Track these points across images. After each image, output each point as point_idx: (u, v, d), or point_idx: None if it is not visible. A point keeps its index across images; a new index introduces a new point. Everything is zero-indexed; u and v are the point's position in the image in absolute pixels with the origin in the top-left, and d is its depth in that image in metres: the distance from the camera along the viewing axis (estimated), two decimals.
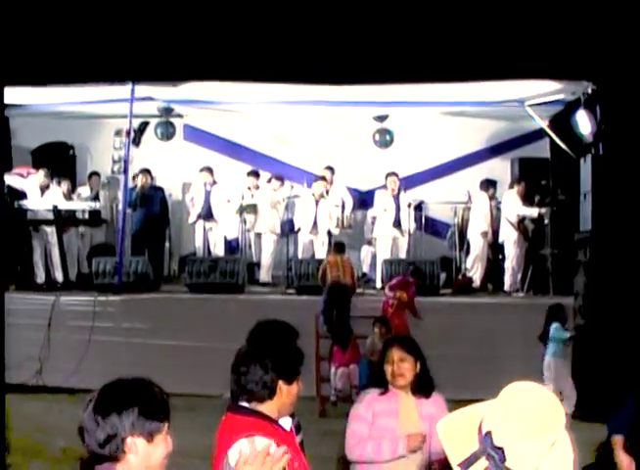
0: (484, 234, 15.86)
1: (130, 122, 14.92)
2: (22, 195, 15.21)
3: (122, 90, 14.10)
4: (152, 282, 15.11)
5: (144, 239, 16.28)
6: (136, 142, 17.94)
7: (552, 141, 15.54)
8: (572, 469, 2.85)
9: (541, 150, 16.70)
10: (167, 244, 17.28)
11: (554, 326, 11.34)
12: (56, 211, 15.15)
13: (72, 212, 15.95)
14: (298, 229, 16.29)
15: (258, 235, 16.84)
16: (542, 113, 15.44)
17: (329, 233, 16.27)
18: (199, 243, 16.82)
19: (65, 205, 15.68)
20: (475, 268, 15.92)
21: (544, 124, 15.50)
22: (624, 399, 5.93)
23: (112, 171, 18.79)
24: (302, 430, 5.22)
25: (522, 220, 15.39)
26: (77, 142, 18.41)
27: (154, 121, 18.85)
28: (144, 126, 18.70)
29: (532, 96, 14.73)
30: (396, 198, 15.90)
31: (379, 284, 15.43)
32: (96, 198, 17.14)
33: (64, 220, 15.57)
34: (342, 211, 16.61)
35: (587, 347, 12.15)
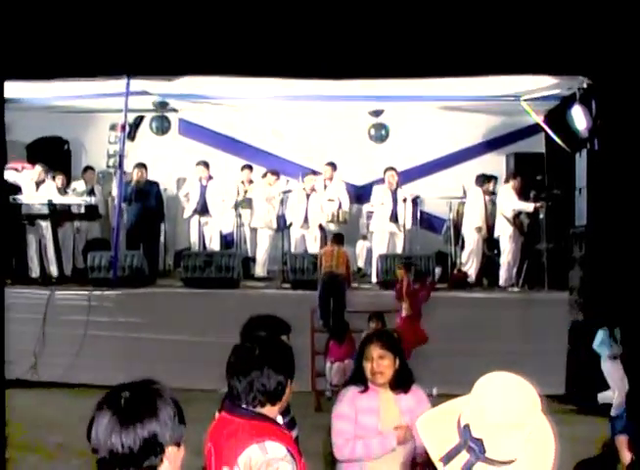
0: (479, 229, 15.85)
1: (125, 117, 14.88)
2: (17, 189, 15.18)
3: (117, 84, 14.08)
4: (147, 277, 15.10)
5: (139, 233, 16.27)
6: (131, 136, 17.93)
7: (547, 136, 15.55)
8: (553, 457, 2.88)
9: (537, 145, 16.69)
10: (162, 238, 17.26)
11: (602, 332, 11.12)
12: (51, 205, 15.13)
13: (68, 207, 15.92)
14: (290, 224, 16.28)
15: (254, 230, 16.83)
16: (538, 108, 15.45)
17: (321, 227, 16.27)
18: (194, 238, 16.80)
19: (60, 199, 15.66)
20: (470, 263, 15.92)
21: (540, 119, 15.50)
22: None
23: (106, 166, 18.80)
24: (297, 425, 5.22)
25: (517, 215, 15.39)
26: (72, 136, 18.40)
27: (149, 116, 18.86)
28: (139, 121, 18.69)
29: (528, 91, 14.74)
30: (394, 193, 15.89)
31: (374, 279, 15.43)
32: (91, 192, 17.12)
33: (59, 215, 15.55)
34: (339, 208, 16.61)
35: (585, 341, 12.17)
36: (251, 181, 16.99)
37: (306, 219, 16.11)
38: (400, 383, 5.51)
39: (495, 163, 17.47)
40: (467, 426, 2.79)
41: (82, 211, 16.09)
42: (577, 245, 12.74)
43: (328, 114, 17.66)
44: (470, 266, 15.88)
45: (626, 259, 11.23)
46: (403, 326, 12.23)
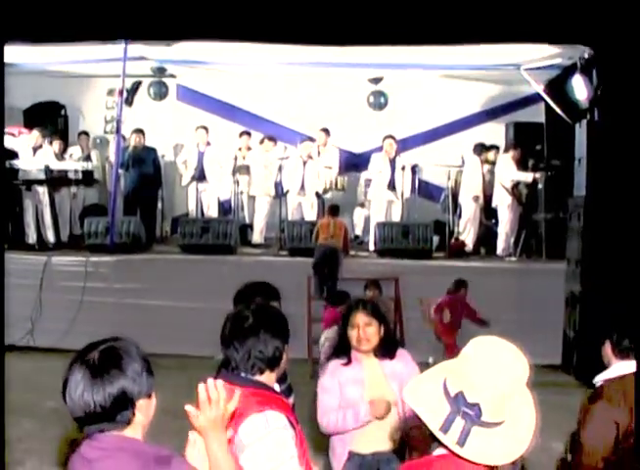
0: (476, 198, 15.83)
1: (123, 82, 14.81)
2: (14, 154, 15.10)
3: (115, 49, 14.01)
4: (144, 243, 15.09)
5: (136, 199, 16.22)
6: (129, 102, 17.86)
7: (547, 106, 15.49)
8: (535, 423, 2.97)
9: (536, 114, 16.64)
10: (160, 205, 17.21)
11: None
12: (48, 170, 15.06)
13: (64, 172, 15.85)
14: (287, 191, 16.22)
15: (252, 197, 16.79)
16: (538, 77, 15.36)
17: (317, 195, 16.23)
18: (192, 204, 16.76)
19: (57, 165, 15.59)
20: (467, 232, 15.91)
21: (540, 89, 15.42)
22: None
23: (104, 131, 18.76)
24: (294, 392, 5.20)
25: (515, 185, 15.35)
26: (69, 102, 18.35)
27: (147, 81, 18.79)
28: (137, 86, 18.63)
29: (529, 60, 14.67)
30: (392, 161, 15.82)
31: (372, 247, 15.43)
32: (88, 158, 17.07)
33: (56, 180, 15.49)
34: (337, 175, 16.58)
35: (582, 312, 12.19)
36: (249, 148, 16.94)
37: (303, 187, 16.06)
38: (385, 350, 5.51)
39: (495, 132, 17.43)
40: (460, 393, 2.87)
41: (79, 176, 16.01)
42: (576, 215, 12.70)
43: (327, 80, 17.58)
44: (467, 235, 15.88)
45: (625, 231, 11.19)
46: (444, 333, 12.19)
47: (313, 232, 14.04)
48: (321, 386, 5.54)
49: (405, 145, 16.87)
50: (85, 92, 18.66)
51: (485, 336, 3.02)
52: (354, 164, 17.79)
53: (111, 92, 17.91)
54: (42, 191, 15.35)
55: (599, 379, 4.85)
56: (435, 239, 15.26)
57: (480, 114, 18.00)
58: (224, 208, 17.29)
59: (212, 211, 16.70)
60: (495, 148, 16.16)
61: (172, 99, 18.89)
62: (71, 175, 15.89)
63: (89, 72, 17.40)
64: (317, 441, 5.77)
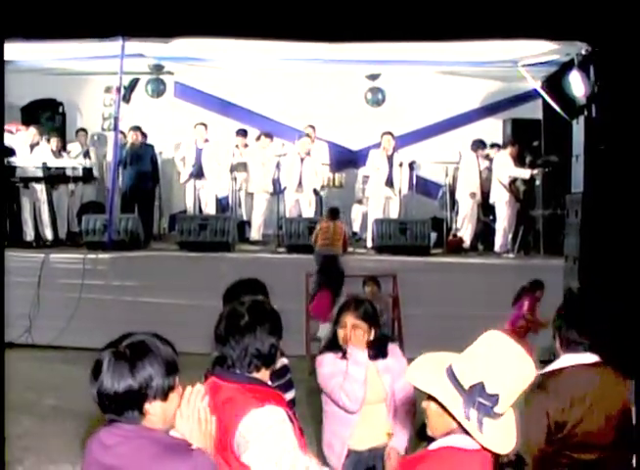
0: (473, 195, 15.82)
1: (120, 79, 14.79)
2: (11, 152, 15.09)
3: (112, 46, 13.98)
4: (142, 240, 15.07)
5: (134, 197, 16.22)
6: (126, 99, 17.87)
7: (545, 102, 15.50)
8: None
9: (534, 111, 16.67)
10: (157, 202, 17.22)
11: None
12: (45, 168, 15.05)
13: (62, 170, 15.84)
14: (285, 188, 16.23)
15: (250, 194, 16.79)
16: (536, 73, 15.38)
17: (315, 192, 16.23)
18: (189, 201, 16.76)
19: (54, 162, 15.58)
20: (464, 229, 15.92)
21: (537, 85, 15.44)
22: None
23: (102, 128, 18.77)
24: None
25: (513, 181, 15.34)
26: (67, 99, 18.36)
27: (144, 78, 18.79)
28: (134, 83, 18.64)
29: (526, 56, 14.67)
30: (390, 157, 15.81)
31: (369, 243, 15.43)
32: (87, 155, 17.08)
33: (53, 178, 15.47)
34: (334, 172, 16.59)
35: (580, 308, 12.17)
36: (246, 145, 16.94)
37: (300, 183, 16.03)
38: (377, 351, 5.52)
39: (492, 128, 17.45)
40: (480, 384, 2.97)
41: (77, 173, 16.00)
42: (574, 212, 12.71)
43: (324, 77, 17.61)
44: (464, 232, 15.89)
45: (623, 227, 11.20)
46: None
47: (313, 234, 13.97)
48: (325, 375, 5.52)
49: (403, 141, 16.87)
50: (83, 89, 18.67)
51: (494, 331, 3.09)
52: (352, 160, 17.81)
53: (108, 89, 17.94)
54: (40, 188, 15.33)
55: (543, 370, 4.88)
56: (433, 235, 15.27)
57: (478, 110, 18.02)
58: (222, 205, 17.29)
59: (210, 209, 16.70)
60: (496, 146, 16.14)
61: (170, 96, 18.91)
62: (69, 173, 15.88)
63: (87, 70, 17.38)
64: (315, 436, 5.78)
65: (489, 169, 15.86)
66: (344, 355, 5.48)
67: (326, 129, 17.69)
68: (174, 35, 13.58)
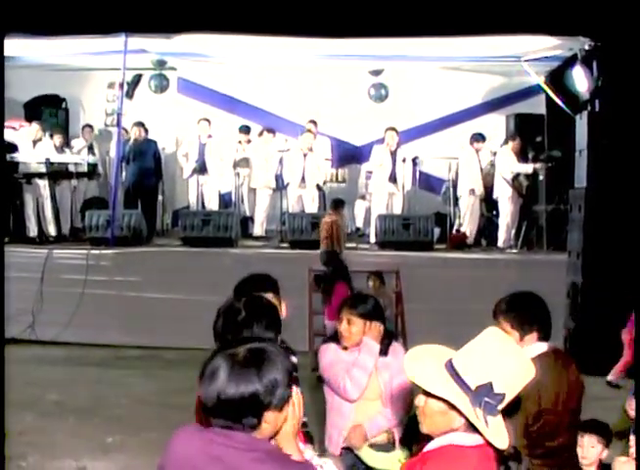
0: (472, 191, 15.79)
1: (123, 75, 14.81)
2: (14, 148, 15.09)
3: (115, 42, 13.99)
4: (145, 236, 15.08)
5: (137, 192, 16.22)
6: (129, 95, 17.87)
7: (548, 97, 15.48)
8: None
9: (537, 106, 16.63)
10: (160, 197, 17.23)
11: None
12: (48, 163, 15.05)
13: (65, 165, 15.84)
14: (287, 183, 16.21)
15: (253, 190, 16.78)
16: (539, 69, 15.36)
17: (318, 187, 16.22)
18: (193, 197, 16.75)
19: (57, 158, 15.58)
20: (465, 224, 15.89)
21: (541, 80, 15.42)
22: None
23: (104, 124, 18.77)
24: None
25: (516, 177, 15.32)
26: (70, 95, 18.37)
27: (147, 74, 18.79)
28: (137, 79, 18.65)
29: (529, 52, 14.65)
30: (394, 153, 15.79)
31: (372, 239, 15.42)
32: (90, 150, 17.09)
33: (56, 173, 15.48)
34: (337, 167, 16.58)
35: (584, 304, 12.20)
36: (249, 141, 16.94)
37: (303, 179, 16.02)
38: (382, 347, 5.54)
39: (495, 123, 17.42)
40: (489, 384, 2.97)
41: (81, 169, 16.01)
42: (577, 207, 12.69)
43: (327, 72, 17.58)
44: (467, 227, 15.86)
45: (626, 222, 11.20)
46: None
47: (315, 223, 13.96)
48: (328, 362, 5.55)
49: (406, 137, 16.84)
50: (86, 85, 18.67)
51: (494, 328, 3.12)
52: (355, 156, 17.82)
53: (111, 85, 17.90)
54: (43, 184, 15.33)
55: None
56: (436, 231, 15.26)
57: (481, 105, 17.99)
58: (225, 200, 17.28)
59: (213, 204, 16.68)
60: (509, 138, 16.05)
61: (173, 92, 18.90)
62: (72, 168, 15.89)
63: (90, 65, 17.40)
64: (317, 432, 5.78)
65: (492, 165, 15.84)
66: (346, 347, 5.53)
67: (329, 125, 17.68)
68: (177, 31, 13.58)
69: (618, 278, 11.29)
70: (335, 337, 5.67)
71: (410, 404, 5.32)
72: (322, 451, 5.22)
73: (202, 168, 16.40)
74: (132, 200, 16.20)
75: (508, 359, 3.01)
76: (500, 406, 3.00)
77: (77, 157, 16.39)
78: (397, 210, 15.87)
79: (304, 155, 15.97)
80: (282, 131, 17.11)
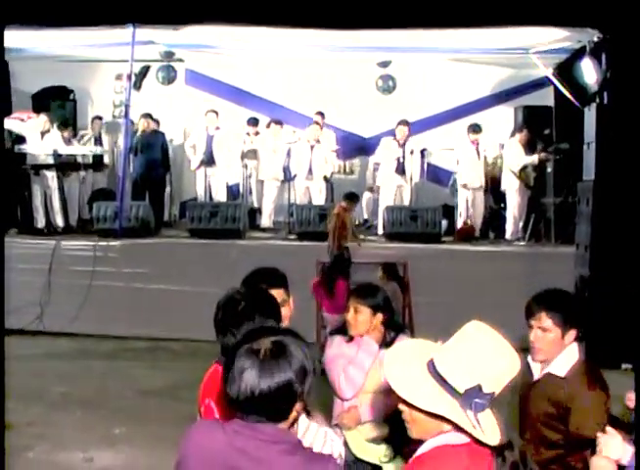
0: (464, 185, 15.77)
1: (131, 66, 14.80)
2: (22, 139, 15.10)
3: (123, 33, 13.98)
4: (152, 227, 15.08)
5: (145, 184, 16.24)
6: (137, 86, 17.88)
7: (556, 89, 15.43)
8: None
9: (545, 98, 16.58)
10: (168, 189, 17.24)
11: None
12: (56, 155, 15.07)
13: (73, 157, 15.86)
14: (295, 175, 16.21)
15: (261, 182, 16.78)
16: (547, 61, 15.31)
17: (325, 179, 16.22)
18: (200, 189, 16.75)
19: (65, 149, 15.60)
20: (470, 216, 15.88)
21: (549, 72, 15.38)
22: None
23: (112, 116, 18.79)
24: None
25: (523, 169, 15.29)
26: (78, 86, 18.38)
27: (155, 65, 18.79)
28: (145, 70, 18.65)
29: (537, 43, 14.62)
30: (402, 146, 15.78)
31: (380, 231, 15.43)
32: (98, 142, 17.12)
33: (64, 165, 15.50)
34: (345, 159, 16.56)
35: (592, 297, 12.17)
36: (257, 133, 16.94)
37: (310, 171, 16.02)
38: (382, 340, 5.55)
39: (504, 116, 17.38)
40: (478, 387, 2.91)
41: (89, 161, 16.03)
42: (585, 200, 12.67)
43: (335, 64, 17.55)
44: (474, 220, 15.84)
45: (634, 215, 11.16)
46: None
47: (323, 215, 13.96)
48: (330, 357, 5.63)
49: (414, 129, 16.80)
50: (94, 77, 18.68)
51: (475, 322, 3.05)
52: (363, 147, 17.80)
53: (119, 76, 17.91)
54: (51, 176, 15.35)
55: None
56: (444, 223, 15.25)
57: (489, 97, 17.94)
58: (232, 192, 17.28)
59: (221, 196, 16.68)
60: (514, 132, 16.01)
61: (181, 83, 18.90)
62: (80, 160, 15.91)
63: (97, 57, 17.41)
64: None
65: (499, 157, 15.85)
66: (351, 339, 5.56)
67: (337, 116, 17.67)
68: (185, 22, 13.58)
69: (626, 271, 11.27)
70: (341, 329, 5.70)
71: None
72: None
73: (209, 160, 16.41)
74: (140, 191, 16.22)
75: (494, 355, 2.94)
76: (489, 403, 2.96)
77: (85, 148, 16.43)
78: (405, 202, 15.86)
79: (311, 146, 15.97)
80: (290, 123, 17.10)
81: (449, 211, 15.98)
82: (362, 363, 5.42)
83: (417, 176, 16.00)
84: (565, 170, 14.58)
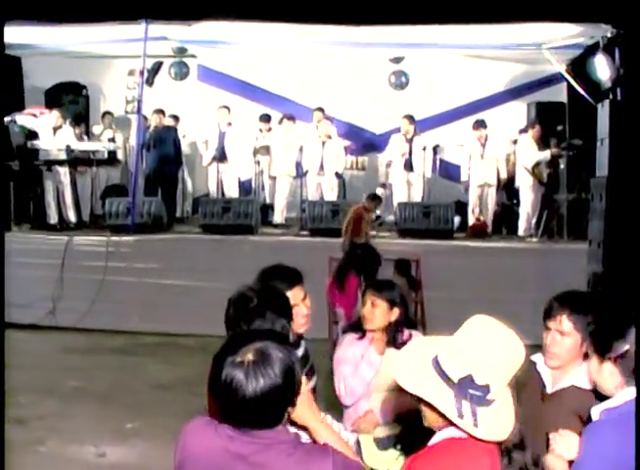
0: (465, 182, 15.80)
1: (144, 62, 14.82)
2: (35, 135, 15.13)
3: (136, 30, 14.01)
4: (165, 223, 15.10)
5: (157, 180, 16.25)
6: (149, 82, 17.89)
7: (569, 85, 15.40)
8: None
9: (558, 94, 16.57)
10: (180, 185, 17.27)
11: None
12: (69, 151, 15.10)
13: (85, 153, 15.89)
14: (306, 171, 16.22)
15: (273, 178, 16.79)
16: (560, 57, 15.29)
17: (337, 175, 16.23)
18: (212, 185, 16.77)
19: (77, 145, 15.62)
20: (482, 213, 15.87)
21: (562, 68, 15.35)
22: None
23: (125, 111, 18.82)
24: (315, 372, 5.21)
25: (537, 165, 15.27)
26: (90, 82, 18.40)
27: (168, 61, 18.80)
28: (158, 66, 18.66)
29: (551, 39, 14.60)
30: (410, 141, 15.78)
31: (393, 227, 15.41)
32: (111, 138, 17.15)
33: (77, 161, 15.52)
34: (357, 155, 16.55)
35: (604, 293, 12.12)
36: (269, 129, 16.93)
37: (322, 167, 16.03)
38: (392, 336, 5.52)
39: (517, 112, 17.36)
40: (469, 377, 2.91)
41: (102, 156, 16.05)
42: (598, 196, 12.62)
43: (347, 60, 17.54)
44: (487, 216, 15.84)
45: None
46: None
47: (335, 211, 13.99)
48: (337, 358, 5.62)
49: (426, 125, 16.82)
50: (106, 72, 18.70)
51: (480, 316, 3.04)
52: (375, 143, 17.78)
53: (132, 72, 17.96)
54: (63, 171, 15.39)
55: None
56: (457, 219, 15.23)
57: (502, 93, 17.90)
58: (245, 188, 17.31)
59: (233, 192, 16.72)
60: (527, 128, 16.01)
61: (193, 79, 18.91)
62: (92, 156, 15.94)
63: (110, 53, 17.43)
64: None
65: (512, 153, 15.84)
66: (364, 335, 5.55)
67: (349, 112, 17.68)
68: (197, 18, 13.61)
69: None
70: (353, 325, 5.69)
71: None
72: None
73: (221, 156, 16.42)
74: (152, 187, 16.23)
75: (491, 346, 2.92)
76: (491, 395, 2.93)
77: (98, 144, 16.44)
78: (417, 198, 15.87)
79: (323, 142, 15.98)
80: (302, 119, 17.08)
81: (462, 208, 15.96)
82: (363, 376, 5.42)
83: (429, 172, 15.98)
84: (578, 167, 14.54)
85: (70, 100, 17.68)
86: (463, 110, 17.79)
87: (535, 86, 17.51)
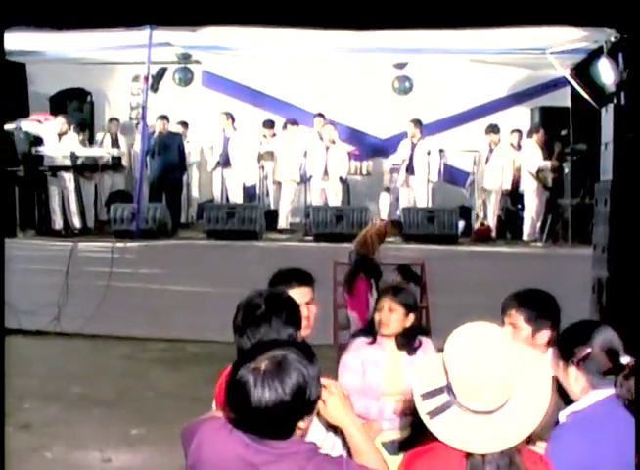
0: (470, 185, 15.81)
1: (148, 68, 14.83)
2: (39, 141, 15.16)
3: (140, 36, 14.02)
4: (169, 228, 15.11)
5: (162, 185, 16.27)
6: (154, 88, 17.89)
7: (573, 90, 15.39)
8: (545, 412, 2.97)
9: (562, 99, 16.55)
10: (185, 190, 17.29)
11: None
12: (73, 157, 15.12)
13: (90, 159, 15.91)
14: (310, 176, 16.23)
15: (277, 183, 16.81)
16: (564, 61, 15.27)
17: (341, 180, 16.24)
18: (217, 190, 16.79)
19: (82, 151, 15.65)
20: (486, 218, 15.88)
21: (566, 73, 15.34)
22: None
23: (129, 118, 18.84)
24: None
25: (541, 170, 15.28)
26: (95, 88, 18.42)
27: (172, 67, 18.82)
28: (162, 72, 18.65)
29: (555, 44, 14.57)
30: (414, 146, 15.80)
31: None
32: (115, 144, 17.18)
33: (82, 166, 15.55)
34: (362, 160, 16.56)
35: (610, 298, 12.13)
36: (274, 135, 16.96)
37: (326, 172, 16.04)
38: (405, 341, 5.55)
39: (521, 116, 17.36)
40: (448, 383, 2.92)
41: (106, 162, 16.08)
42: (602, 200, 12.63)
43: (351, 65, 17.57)
44: (491, 221, 15.86)
45: None
46: None
47: (339, 217, 14.01)
48: (343, 364, 5.60)
49: (431, 129, 16.83)
50: (111, 79, 18.73)
51: (466, 325, 3.08)
52: (379, 148, 17.80)
53: (136, 78, 17.98)
54: (68, 177, 15.41)
55: None
56: (461, 224, 15.23)
57: (506, 98, 17.93)
58: (249, 193, 17.33)
59: (237, 197, 16.74)
60: (518, 132, 16.05)
61: (197, 85, 18.95)
62: (97, 162, 15.96)
63: (115, 59, 17.45)
64: None
65: (518, 158, 15.85)
66: (374, 341, 5.56)
67: (353, 118, 17.70)
68: (202, 24, 13.61)
69: None
70: (365, 330, 5.69)
71: None
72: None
73: (225, 162, 16.45)
74: (157, 193, 16.26)
75: (467, 359, 2.89)
76: (466, 403, 2.87)
77: (102, 150, 16.49)
78: (422, 202, 15.86)
79: (326, 148, 15.99)
80: (306, 124, 17.09)
81: (466, 213, 15.97)
82: (370, 379, 5.48)
83: (434, 177, 15.98)
84: (582, 171, 14.54)
85: (75, 106, 17.70)
86: (467, 115, 17.83)
87: (539, 91, 17.53)
